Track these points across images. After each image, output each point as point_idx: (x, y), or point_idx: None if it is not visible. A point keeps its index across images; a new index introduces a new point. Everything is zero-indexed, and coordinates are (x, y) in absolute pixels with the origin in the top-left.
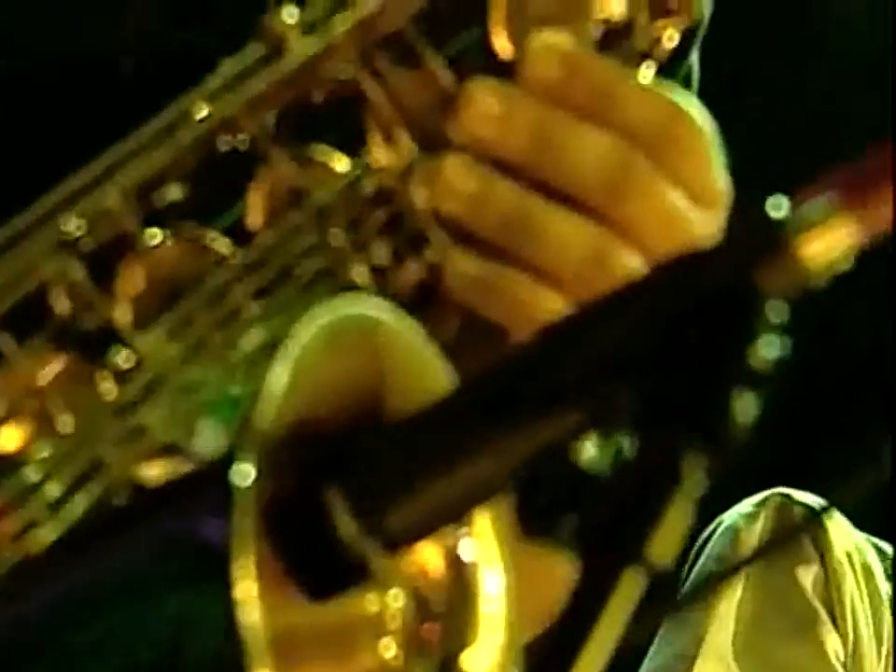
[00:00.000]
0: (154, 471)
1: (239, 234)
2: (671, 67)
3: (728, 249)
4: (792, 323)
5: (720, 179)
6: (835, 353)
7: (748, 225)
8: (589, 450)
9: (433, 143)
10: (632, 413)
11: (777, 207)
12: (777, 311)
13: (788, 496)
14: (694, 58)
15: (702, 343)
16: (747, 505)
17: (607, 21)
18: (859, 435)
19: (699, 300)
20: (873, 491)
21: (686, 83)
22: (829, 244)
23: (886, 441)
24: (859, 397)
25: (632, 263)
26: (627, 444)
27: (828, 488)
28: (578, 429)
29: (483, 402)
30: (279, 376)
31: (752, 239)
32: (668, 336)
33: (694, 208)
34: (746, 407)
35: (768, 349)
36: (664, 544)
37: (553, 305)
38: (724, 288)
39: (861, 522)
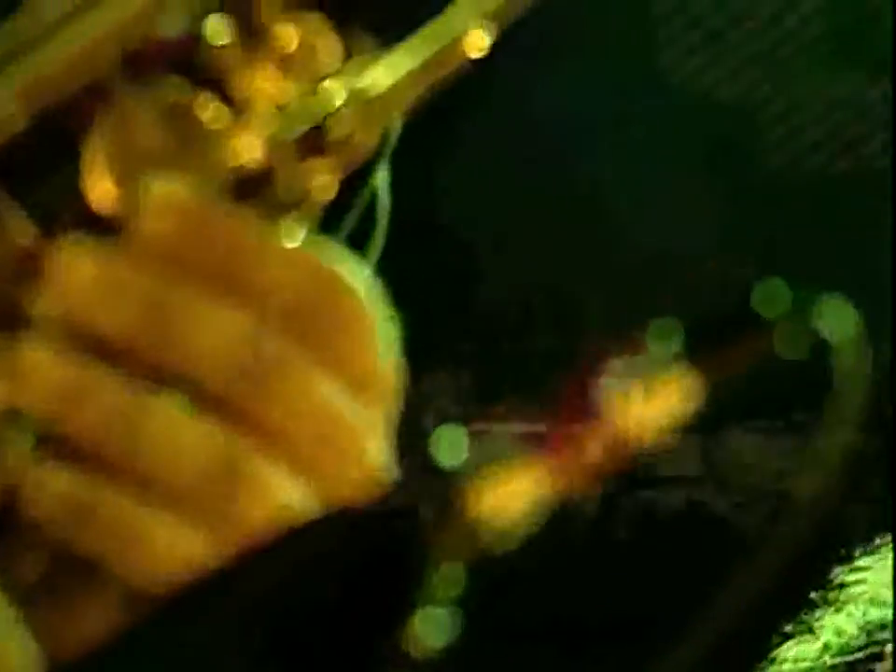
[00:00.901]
0: None
1: None
2: (343, 202)
3: (384, 502)
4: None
5: (384, 362)
6: None
7: (411, 470)
8: None
9: (9, 321)
10: None
11: (450, 448)
12: (447, 580)
13: None
14: (383, 181)
15: (346, 620)
16: None
17: (241, 168)
18: None
19: (344, 566)
20: None
21: (370, 215)
22: (511, 497)
23: None
24: None
25: (271, 474)
26: None
27: None
28: None
29: None
30: None
31: (416, 489)
32: (304, 611)
33: (351, 400)
34: None
35: (431, 630)
36: None
37: (167, 533)
38: (377, 552)
39: None
